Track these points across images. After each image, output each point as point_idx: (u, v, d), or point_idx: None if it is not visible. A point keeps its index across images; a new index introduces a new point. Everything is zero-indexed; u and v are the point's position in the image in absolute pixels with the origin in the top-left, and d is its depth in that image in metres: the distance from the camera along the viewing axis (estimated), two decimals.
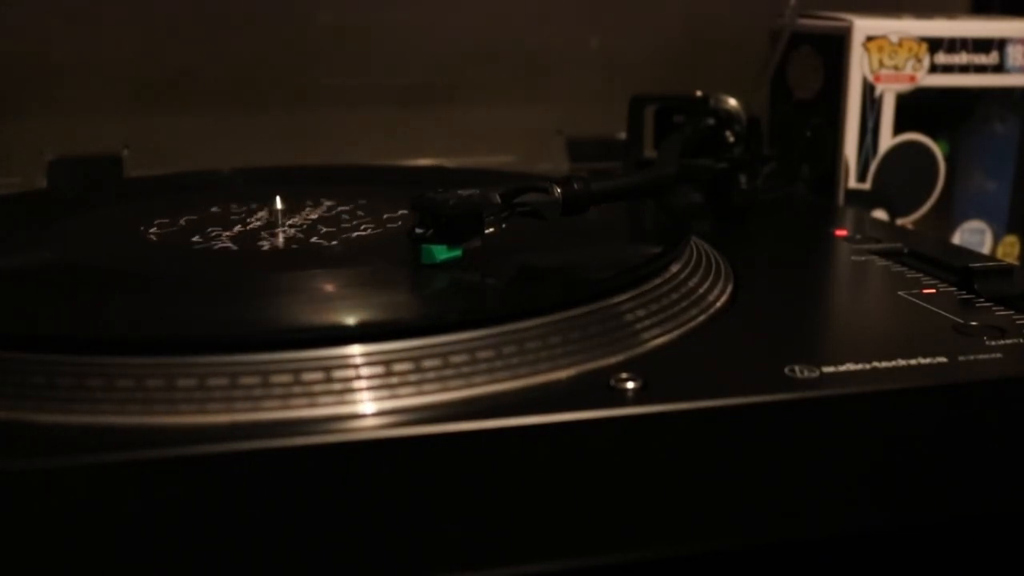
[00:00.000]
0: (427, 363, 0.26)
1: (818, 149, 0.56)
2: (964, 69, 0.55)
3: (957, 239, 0.58)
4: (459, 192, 0.33)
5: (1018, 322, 0.32)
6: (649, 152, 0.56)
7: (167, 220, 0.41)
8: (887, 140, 0.55)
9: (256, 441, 0.23)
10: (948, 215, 0.58)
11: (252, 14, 0.63)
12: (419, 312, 0.31)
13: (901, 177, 0.56)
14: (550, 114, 0.68)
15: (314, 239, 0.38)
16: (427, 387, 0.26)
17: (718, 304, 0.34)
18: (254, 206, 0.44)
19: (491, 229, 0.33)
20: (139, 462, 0.23)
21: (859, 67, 0.54)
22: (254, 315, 0.30)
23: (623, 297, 0.31)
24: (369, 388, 0.26)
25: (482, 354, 0.27)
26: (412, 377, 0.26)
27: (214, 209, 0.43)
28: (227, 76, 0.63)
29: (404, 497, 0.24)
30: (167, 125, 0.62)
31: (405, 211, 0.41)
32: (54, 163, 0.59)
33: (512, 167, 0.66)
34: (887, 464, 0.28)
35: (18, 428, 0.24)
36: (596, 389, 0.26)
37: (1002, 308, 0.33)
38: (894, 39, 0.54)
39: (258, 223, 0.41)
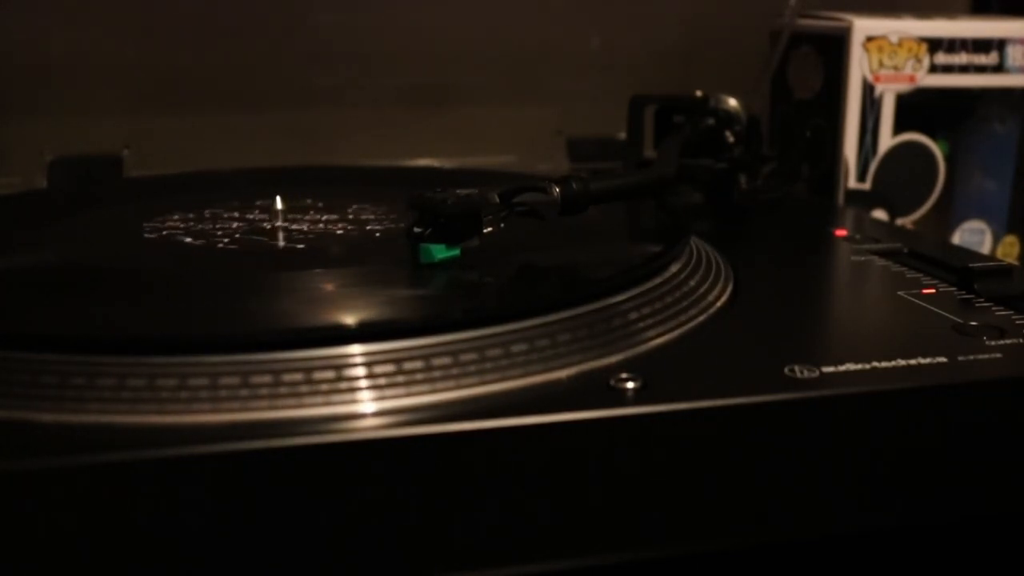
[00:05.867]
0: (427, 363, 0.26)
1: (818, 149, 0.56)
2: (964, 69, 0.55)
3: (957, 239, 0.58)
4: (457, 191, 0.33)
5: (1018, 322, 0.32)
6: (649, 152, 0.56)
7: (167, 220, 0.41)
8: (887, 140, 0.55)
9: (256, 441, 0.23)
10: (948, 215, 0.58)
11: (252, 14, 0.63)
12: (418, 312, 0.31)
13: (901, 177, 0.56)
14: (550, 114, 0.68)
15: (313, 239, 0.38)
16: (427, 387, 0.26)
17: (718, 304, 0.34)
18: (254, 206, 0.44)
19: (489, 229, 0.33)
20: (139, 462, 0.23)
21: (859, 67, 0.54)
22: (254, 315, 0.30)
23: (623, 297, 0.31)
24: (369, 388, 0.26)
25: (482, 354, 0.27)
26: (412, 377, 0.26)
27: (214, 209, 0.43)
28: (227, 76, 0.63)
29: (404, 497, 0.24)
30: (167, 125, 0.62)
31: (405, 211, 0.41)
32: (54, 163, 0.59)
33: (512, 167, 0.66)
34: (887, 464, 0.28)
35: (18, 428, 0.24)
36: (596, 389, 0.26)
37: (1002, 308, 0.33)
38: (894, 39, 0.54)
39: (258, 223, 0.41)
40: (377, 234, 0.39)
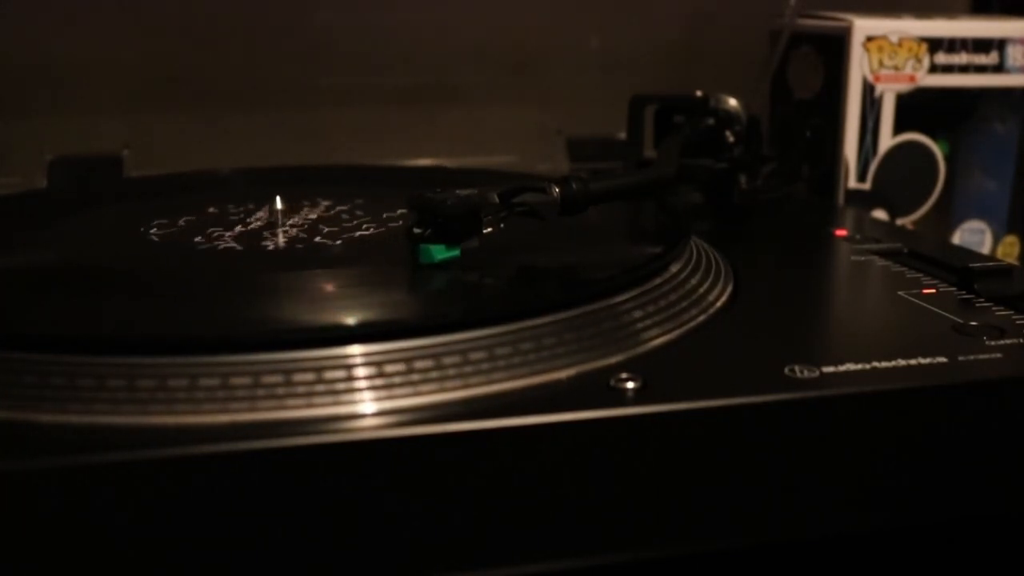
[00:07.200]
0: (427, 363, 0.26)
1: (818, 149, 0.56)
2: (964, 69, 0.55)
3: (957, 239, 0.58)
4: (457, 192, 0.33)
5: (1018, 322, 0.32)
6: (649, 152, 0.56)
7: (167, 220, 0.41)
8: (887, 140, 0.55)
9: (255, 441, 0.23)
10: (948, 215, 0.58)
11: (252, 14, 0.63)
12: (418, 312, 0.31)
13: (901, 177, 0.56)
14: (550, 114, 0.68)
15: (314, 239, 0.38)
16: (427, 387, 0.26)
17: (718, 304, 0.34)
18: (254, 206, 0.44)
19: (489, 229, 0.33)
20: (139, 462, 0.23)
21: (859, 67, 0.54)
22: (253, 315, 0.30)
23: (623, 297, 0.31)
24: (369, 388, 0.26)
25: (482, 354, 0.27)
26: (412, 377, 0.26)
27: (214, 209, 0.43)
28: (227, 76, 0.63)
29: (404, 497, 0.24)
30: (167, 125, 0.62)
31: (404, 211, 0.41)
32: (54, 163, 0.59)
33: (512, 167, 0.66)
34: (887, 464, 0.28)
35: (18, 428, 0.24)
36: (596, 389, 0.26)
37: (1002, 308, 0.33)
38: (894, 39, 0.54)
39: (258, 223, 0.41)
40: (377, 234, 0.39)
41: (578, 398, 0.26)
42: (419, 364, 0.26)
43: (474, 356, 0.27)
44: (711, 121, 0.51)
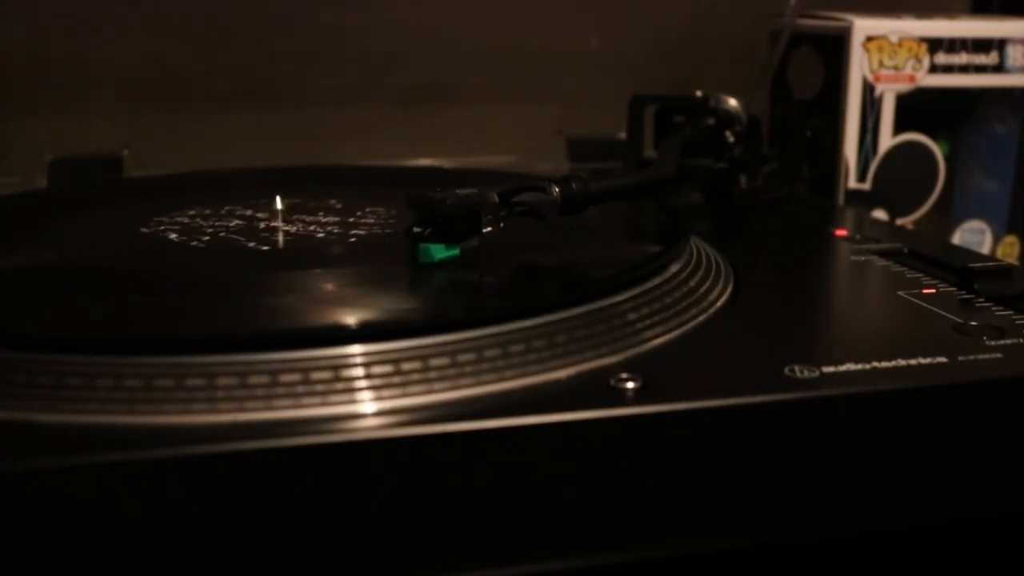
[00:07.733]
0: (426, 363, 0.26)
1: (818, 149, 0.56)
2: (964, 69, 0.55)
3: (957, 239, 0.58)
4: (457, 191, 0.33)
5: (1018, 322, 0.32)
6: (649, 152, 0.56)
7: (167, 220, 0.41)
8: (887, 140, 0.55)
9: (258, 441, 0.23)
10: (948, 215, 0.58)
11: (252, 14, 0.63)
12: (417, 312, 0.31)
13: (901, 177, 0.56)
14: (550, 114, 0.68)
15: (313, 239, 0.38)
16: (426, 387, 0.26)
17: (718, 304, 0.34)
18: (254, 206, 0.44)
19: (489, 228, 0.33)
20: (140, 462, 0.23)
21: (859, 67, 0.54)
22: (253, 315, 0.30)
23: (623, 296, 0.31)
24: (369, 388, 0.26)
25: (482, 354, 0.27)
26: (411, 377, 0.26)
27: (214, 209, 0.43)
28: (227, 76, 0.63)
29: (404, 497, 0.24)
30: (167, 125, 0.62)
31: (404, 211, 0.41)
32: (54, 163, 0.59)
33: (512, 167, 0.66)
34: (887, 464, 0.28)
35: (18, 428, 0.24)
36: (596, 389, 0.26)
37: (1002, 308, 0.33)
38: (894, 39, 0.54)
39: (258, 223, 0.41)
40: (377, 234, 0.39)
41: (578, 398, 0.26)
42: (418, 364, 0.26)
43: (474, 356, 0.27)
44: (711, 121, 0.51)
